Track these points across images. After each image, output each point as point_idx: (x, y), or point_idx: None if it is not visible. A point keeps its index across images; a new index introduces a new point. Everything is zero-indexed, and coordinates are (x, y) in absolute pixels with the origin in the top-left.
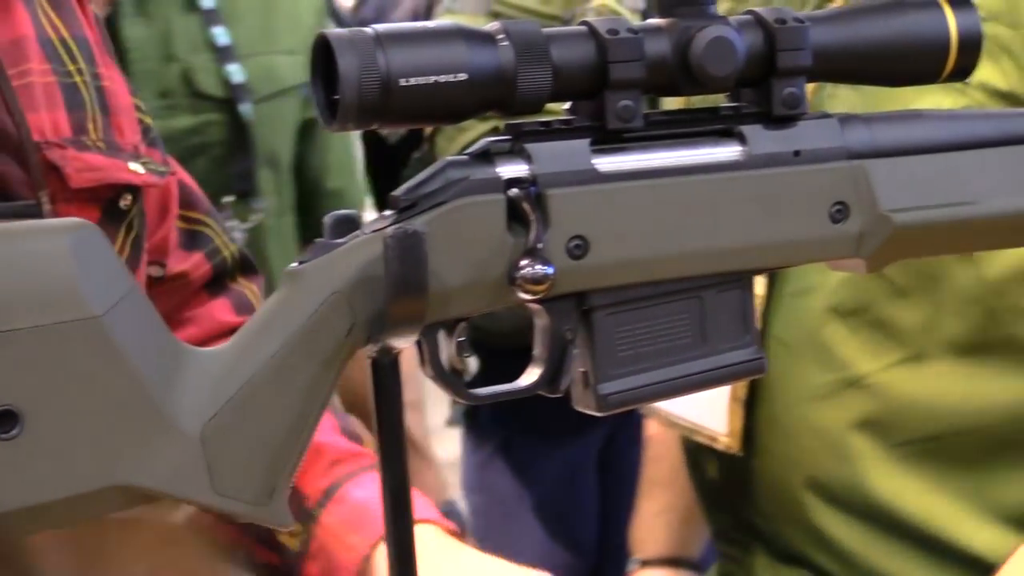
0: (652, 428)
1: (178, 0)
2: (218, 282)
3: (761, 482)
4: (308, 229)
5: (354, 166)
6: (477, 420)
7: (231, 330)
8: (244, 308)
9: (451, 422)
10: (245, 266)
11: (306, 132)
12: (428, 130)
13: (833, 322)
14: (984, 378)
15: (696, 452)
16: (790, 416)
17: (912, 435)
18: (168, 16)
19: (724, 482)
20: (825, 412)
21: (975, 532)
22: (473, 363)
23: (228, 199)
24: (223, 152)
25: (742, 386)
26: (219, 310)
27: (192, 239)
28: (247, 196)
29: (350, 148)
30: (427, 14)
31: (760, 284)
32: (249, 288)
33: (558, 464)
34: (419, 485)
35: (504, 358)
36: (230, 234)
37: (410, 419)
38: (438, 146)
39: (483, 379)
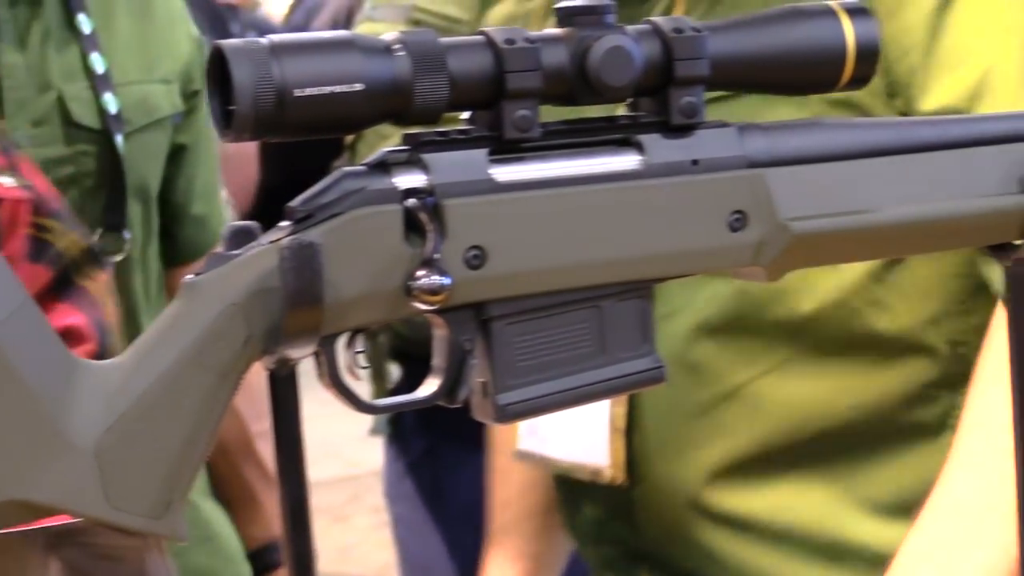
0: (499, 466)
1: (57, 25)
2: (64, 282)
3: (648, 508)
4: (171, 256)
5: (218, 191)
6: (400, 429)
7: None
8: (88, 305)
9: (374, 431)
10: (92, 259)
11: (173, 158)
12: (350, 138)
13: (702, 340)
14: (850, 376)
15: (573, 491)
16: (671, 437)
17: (788, 439)
18: (46, 42)
19: (609, 515)
20: (704, 429)
21: (857, 526)
22: (395, 371)
23: (97, 232)
24: (95, 183)
25: (621, 415)
26: (61, 315)
27: (39, 249)
28: (117, 229)
29: (215, 173)
30: (347, 23)
31: None
32: (96, 282)
33: (481, 472)
34: None
35: (426, 366)
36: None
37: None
38: (359, 153)
39: (406, 387)
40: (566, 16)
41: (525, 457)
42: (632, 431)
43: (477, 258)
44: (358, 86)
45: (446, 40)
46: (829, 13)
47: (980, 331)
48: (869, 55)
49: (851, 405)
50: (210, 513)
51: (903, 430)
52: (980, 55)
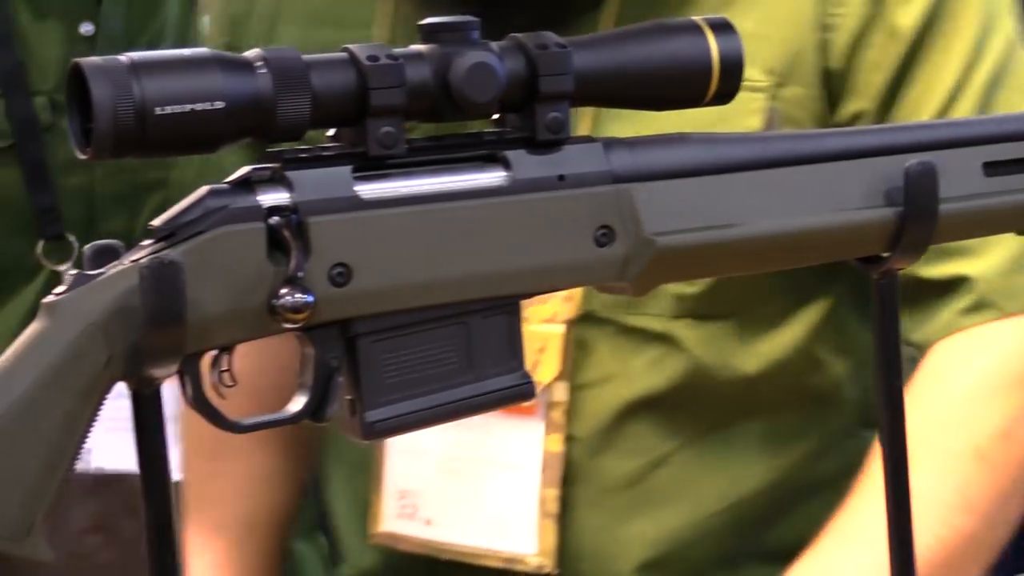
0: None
1: None
2: None
3: None
4: None
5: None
6: None
7: None
8: None
9: None
10: None
11: None
12: None
13: (639, 413)
14: (779, 434)
15: None
16: (600, 517)
17: (720, 506)
18: None
19: None
20: (634, 503)
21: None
22: None
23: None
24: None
25: (552, 500)
26: None
27: None
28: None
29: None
30: None
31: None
32: None
33: None
34: None
35: None
36: None
37: None
38: None
39: None
40: (430, 32)
41: (390, 540)
42: (561, 512)
43: (342, 275)
44: (219, 104)
45: (309, 57)
46: (694, 28)
47: None
48: (734, 70)
49: (775, 465)
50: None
51: (815, 482)
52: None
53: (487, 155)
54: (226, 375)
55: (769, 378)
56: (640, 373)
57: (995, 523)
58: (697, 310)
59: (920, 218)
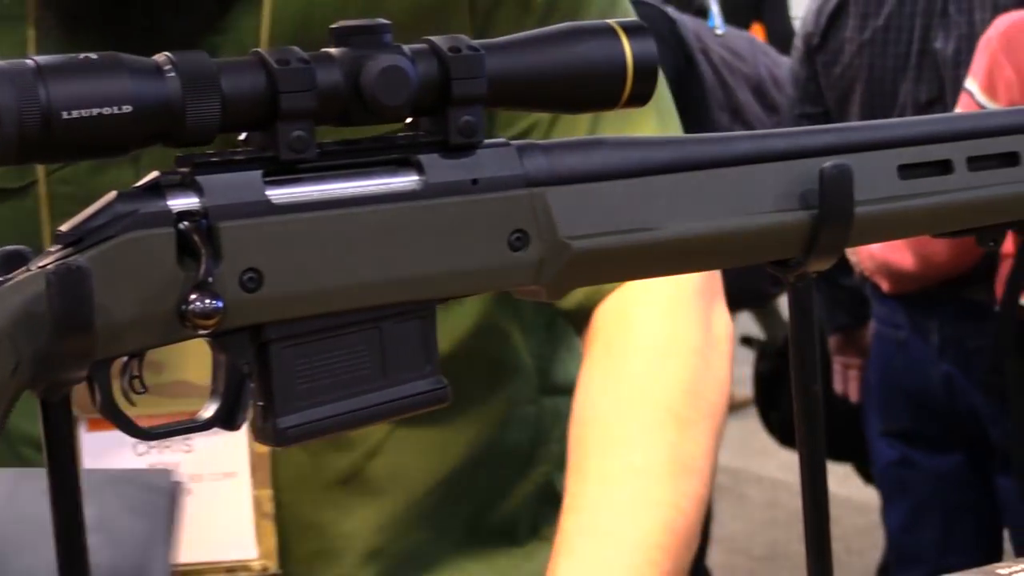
0: None
1: None
2: None
3: None
4: None
5: None
6: None
7: None
8: None
9: None
10: None
11: None
12: None
13: None
14: (477, 408)
15: None
16: (322, 510)
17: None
18: None
19: None
20: (352, 494)
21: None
22: None
23: None
24: None
25: (267, 500)
26: None
27: None
28: None
29: None
30: None
31: None
32: None
33: None
34: None
35: None
36: None
37: None
38: None
39: None
40: (342, 36)
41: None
42: (280, 512)
43: (253, 280)
44: (127, 108)
45: (219, 60)
46: (608, 31)
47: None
48: (648, 72)
49: (471, 437)
50: None
51: (506, 450)
52: None
53: (400, 159)
54: (136, 382)
55: (459, 353)
56: None
57: (709, 478)
58: None
59: (835, 220)
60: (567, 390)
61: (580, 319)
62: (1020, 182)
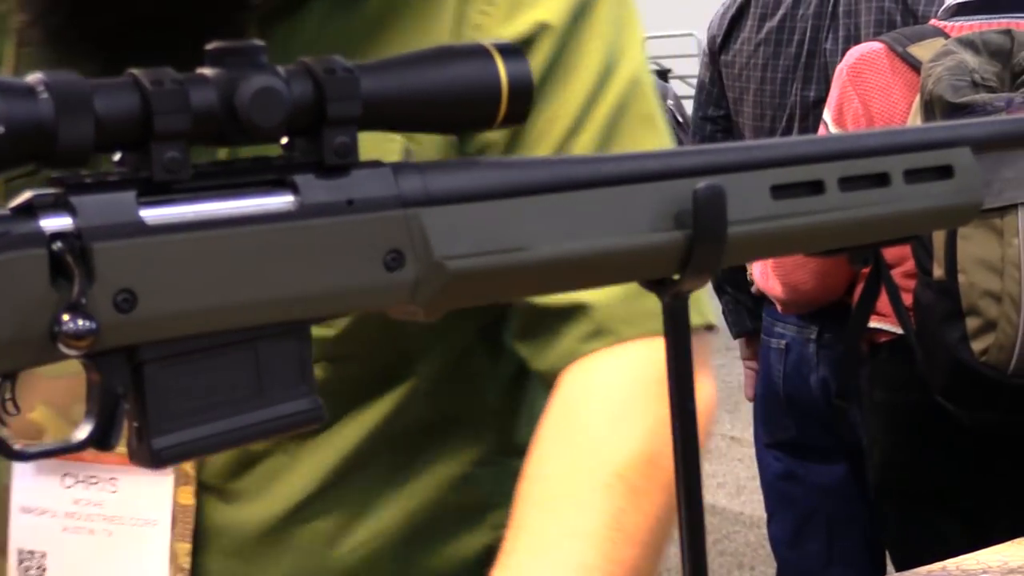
0: None
1: None
2: None
3: None
4: None
5: None
6: None
7: None
8: None
9: None
10: None
11: None
12: None
13: (267, 455)
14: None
15: None
16: (236, 564)
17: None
18: None
19: None
20: (274, 549)
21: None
22: None
23: None
24: None
25: (184, 555)
26: None
27: None
28: None
29: None
30: None
31: None
32: None
33: None
34: None
35: None
36: None
37: None
38: None
39: None
40: (216, 56)
41: None
42: (196, 570)
43: (127, 301)
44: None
45: (93, 81)
46: (483, 53)
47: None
48: (523, 94)
49: (407, 503)
50: None
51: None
52: None
53: (275, 180)
54: (9, 403)
55: (411, 412)
56: None
57: (653, 551)
58: (332, 352)
59: (709, 240)
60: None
61: (550, 379)
62: (891, 202)
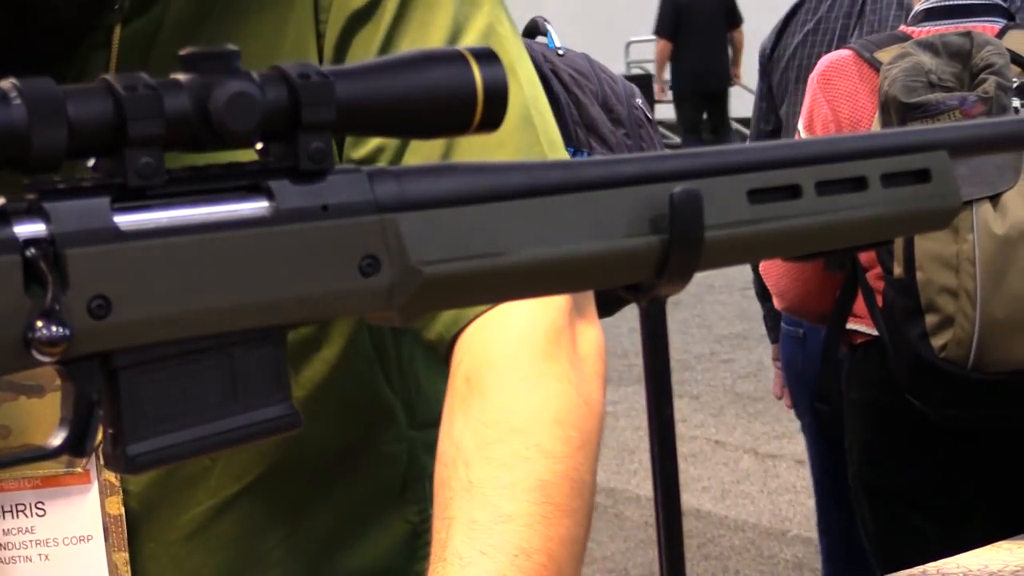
0: None
1: None
2: None
3: None
4: None
5: None
6: None
7: None
8: None
9: None
10: None
11: None
12: None
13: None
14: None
15: None
16: (169, 566)
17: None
18: None
19: None
20: (211, 536)
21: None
22: None
23: None
24: None
25: (123, 564)
26: None
27: None
28: None
29: None
30: None
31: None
32: None
33: None
34: None
35: None
36: None
37: None
38: None
39: None
40: (190, 62)
41: None
42: (137, 574)
43: (101, 308)
44: None
45: (66, 87)
46: (458, 58)
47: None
48: (498, 99)
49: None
50: None
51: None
52: None
53: (249, 185)
54: None
55: (315, 400)
56: (227, 465)
57: (583, 516)
58: None
59: (685, 245)
60: (438, 422)
61: (442, 349)
62: (868, 206)
